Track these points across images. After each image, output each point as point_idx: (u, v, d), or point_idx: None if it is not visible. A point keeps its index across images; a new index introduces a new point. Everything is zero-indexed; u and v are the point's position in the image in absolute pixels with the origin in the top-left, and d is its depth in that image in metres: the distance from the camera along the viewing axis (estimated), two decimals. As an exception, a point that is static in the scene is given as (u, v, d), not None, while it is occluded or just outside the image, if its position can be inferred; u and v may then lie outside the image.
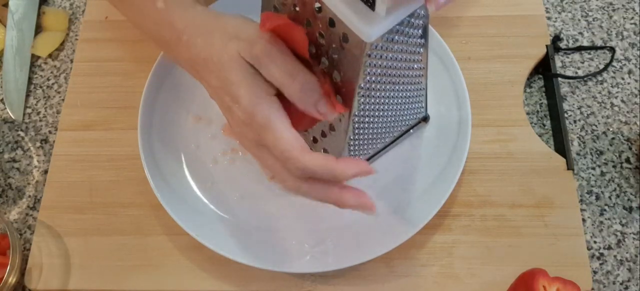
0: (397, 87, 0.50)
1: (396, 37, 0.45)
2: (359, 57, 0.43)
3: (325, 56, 0.47)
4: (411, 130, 0.59)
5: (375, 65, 0.45)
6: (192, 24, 0.48)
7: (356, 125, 0.50)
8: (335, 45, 0.45)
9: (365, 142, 0.54)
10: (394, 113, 0.53)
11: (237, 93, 0.45)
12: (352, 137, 0.51)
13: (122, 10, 0.55)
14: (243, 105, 0.45)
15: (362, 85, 0.46)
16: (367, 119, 0.50)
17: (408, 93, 0.53)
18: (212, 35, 0.47)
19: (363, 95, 0.47)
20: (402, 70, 0.49)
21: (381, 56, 0.45)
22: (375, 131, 0.54)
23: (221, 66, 0.46)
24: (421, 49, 0.49)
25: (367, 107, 0.49)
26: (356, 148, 0.54)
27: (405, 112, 0.55)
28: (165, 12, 0.49)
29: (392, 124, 0.55)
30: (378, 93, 0.49)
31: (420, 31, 0.47)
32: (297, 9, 0.46)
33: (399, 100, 0.52)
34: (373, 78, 0.47)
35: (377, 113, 0.51)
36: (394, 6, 0.41)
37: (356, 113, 0.48)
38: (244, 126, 0.46)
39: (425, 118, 0.59)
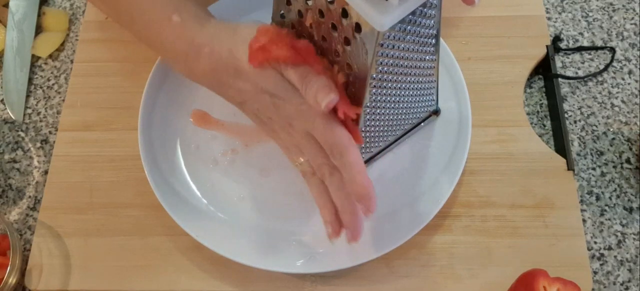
0: (409, 79, 0.50)
1: (409, 27, 0.45)
2: (372, 46, 0.43)
3: (336, 51, 0.47)
4: (422, 123, 0.59)
5: (387, 55, 0.45)
6: (212, 37, 0.49)
7: (368, 117, 0.50)
8: (348, 36, 0.45)
9: (378, 133, 0.54)
10: (405, 105, 0.53)
11: (288, 91, 0.48)
12: (363, 129, 0.51)
13: (125, 25, 0.54)
14: (298, 98, 0.47)
15: (374, 75, 0.46)
16: (379, 111, 0.50)
17: (420, 85, 0.52)
18: (236, 46, 0.48)
19: (375, 86, 0.47)
20: (414, 61, 0.49)
21: (393, 46, 0.45)
22: (387, 123, 0.53)
23: (255, 74, 0.47)
24: (433, 40, 0.48)
25: (379, 98, 0.49)
26: (368, 140, 0.53)
27: (417, 105, 0.55)
28: (182, 27, 0.49)
29: (403, 116, 0.55)
30: (390, 84, 0.48)
31: (433, 22, 0.46)
32: (309, 2, 0.46)
33: (411, 92, 0.52)
34: (385, 69, 0.46)
35: (389, 105, 0.51)
36: None
37: (368, 104, 0.48)
38: (296, 117, 0.48)
39: (436, 112, 0.59)
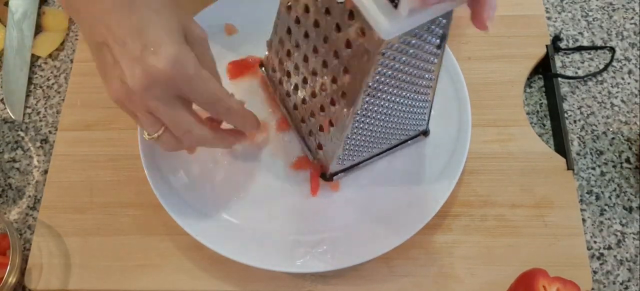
0: (403, 94, 0.50)
1: (413, 41, 0.44)
2: (373, 54, 0.43)
3: (335, 53, 0.46)
4: (409, 142, 0.58)
5: (387, 65, 0.45)
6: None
7: (356, 124, 0.50)
8: (350, 39, 0.44)
9: (362, 143, 0.54)
10: (395, 119, 0.53)
11: (161, 38, 0.43)
12: (349, 136, 0.51)
13: None
14: (167, 51, 0.43)
15: (370, 83, 0.46)
16: (368, 120, 0.50)
17: (413, 103, 0.52)
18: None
19: (369, 95, 0.47)
20: (412, 77, 0.48)
21: (394, 58, 0.45)
22: (373, 134, 0.53)
23: (147, 6, 0.43)
24: (435, 59, 0.48)
25: (370, 107, 0.49)
26: (352, 148, 0.53)
27: (407, 122, 0.55)
28: None
29: (391, 131, 0.55)
30: (384, 96, 0.48)
31: (437, 40, 0.46)
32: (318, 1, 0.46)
33: (403, 108, 0.52)
34: (382, 79, 0.46)
35: (378, 116, 0.51)
36: (417, 8, 0.40)
37: (359, 112, 0.48)
38: (151, 80, 0.43)
39: (425, 133, 0.58)
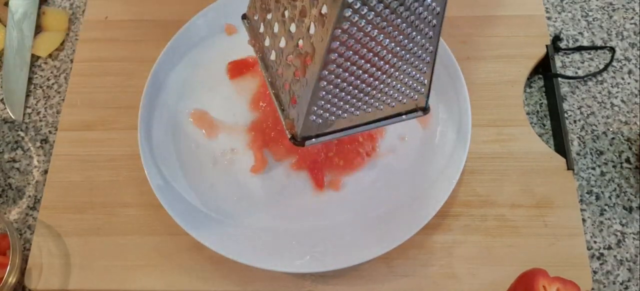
0: (393, 42, 0.41)
1: None
2: None
3: None
4: (404, 116, 0.48)
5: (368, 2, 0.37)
6: None
7: (334, 65, 0.40)
8: None
9: (341, 100, 0.44)
10: (383, 75, 0.43)
11: None
12: (325, 83, 0.41)
13: None
14: None
15: (357, 5, 0.37)
16: (347, 64, 0.41)
17: (408, 57, 0.43)
18: None
19: (349, 22, 0.38)
20: (407, 22, 0.40)
21: None
22: (356, 89, 0.44)
23: None
24: (437, 7, 0.41)
25: (354, 37, 0.39)
26: (329, 101, 0.44)
27: (399, 84, 0.45)
28: None
29: (379, 91, 0.45)
30: (365, 37, 0.40)
31: None
32: None
33: (395, 57, 0.42)
34: (363, 16, 0.38)
35: (361, 63, 0.42)
36: None
37: (337, 34, 0.38)
38: None
39: (425, 109, 0.49)
